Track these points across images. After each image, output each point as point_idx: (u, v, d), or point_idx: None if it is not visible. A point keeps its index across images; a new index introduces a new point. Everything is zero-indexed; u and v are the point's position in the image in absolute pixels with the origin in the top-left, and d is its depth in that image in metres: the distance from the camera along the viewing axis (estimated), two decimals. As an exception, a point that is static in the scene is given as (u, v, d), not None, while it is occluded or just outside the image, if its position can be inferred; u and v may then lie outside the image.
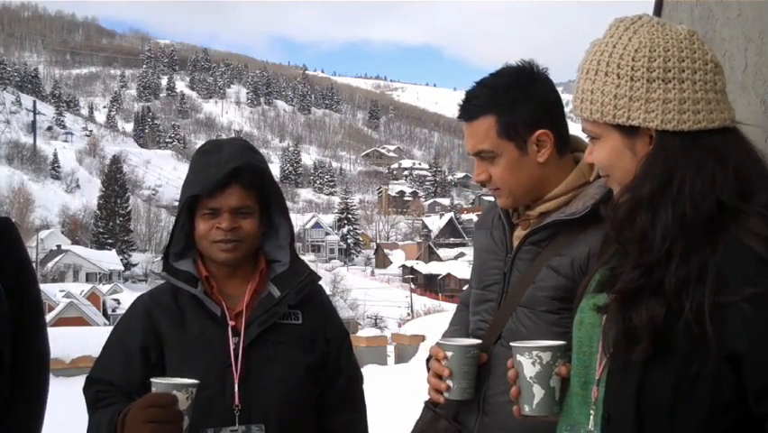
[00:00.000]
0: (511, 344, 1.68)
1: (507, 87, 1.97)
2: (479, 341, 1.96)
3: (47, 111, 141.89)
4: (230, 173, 2.01)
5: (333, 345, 2.18)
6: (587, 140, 1.61)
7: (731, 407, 1.30)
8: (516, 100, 1.96)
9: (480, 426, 1.98)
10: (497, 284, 2.05)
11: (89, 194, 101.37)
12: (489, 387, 1.96)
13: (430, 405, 2.09)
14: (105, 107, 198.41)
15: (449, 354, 1.91)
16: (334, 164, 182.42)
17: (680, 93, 1.40)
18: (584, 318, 1.54)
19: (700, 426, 1.31)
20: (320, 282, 2.24)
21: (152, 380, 1.82)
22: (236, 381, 1.98)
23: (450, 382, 1.91)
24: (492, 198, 2.16)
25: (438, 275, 77.74)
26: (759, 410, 1.27)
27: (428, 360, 2.05)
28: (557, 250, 1.93)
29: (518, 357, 1.64)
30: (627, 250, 1.41)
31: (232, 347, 2.01)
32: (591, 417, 1.47)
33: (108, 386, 2.03)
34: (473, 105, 1.99)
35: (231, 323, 2.04)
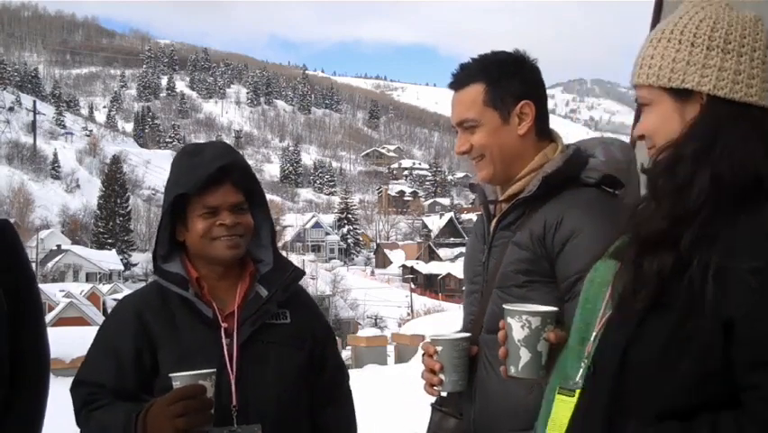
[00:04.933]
0: (504, 306, 1.71)
1: (499, 61, 2.08)
2: (468, 334, 2.02)
3: (47, 111, 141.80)
4: (219, 171, 2.03)
5: (318, 342, 2.20)
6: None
7: (714, 376, 1.30)
8: (505, 73, 2.05)
9: (476, 414, 2.04)
10: (479, 276, 2.12)
11: (89, 194, 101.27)
12: (478, 376, 2.02)
13: (436, 406, 2.14)
14: (105, 107, 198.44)
15: (439, 348, 1.97)
16: (334, 164, 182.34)
17: (736, 65, 1.42)
18: (595, 277, 1.56)
19: (680, 390, 1.31)
20: (302, 282, 2.26)
21: (172, 375, 1.83)
22: (232, 381, 1.99)
23: (441, 376, 1.96)
24: None
25: (438, 275, 77.75)
26: (743, 379, 1.27)
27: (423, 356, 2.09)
28: (522, 227, 2.01)
29: (509, 319, 1.67)
30: (660, 201, 1.41)
31: (225, 349, 2.01)
32: (581, 370, 1.50)
33: (100, 388, 2.00)
34: (465, 73, 2.08)
35: (223, 325, 2.04)
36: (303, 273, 2.22)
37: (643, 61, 1.52)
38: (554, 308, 1.68)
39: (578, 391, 1.48)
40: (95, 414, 1.97)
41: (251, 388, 2.01)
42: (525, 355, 1.65)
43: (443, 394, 2.10)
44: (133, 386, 1.99)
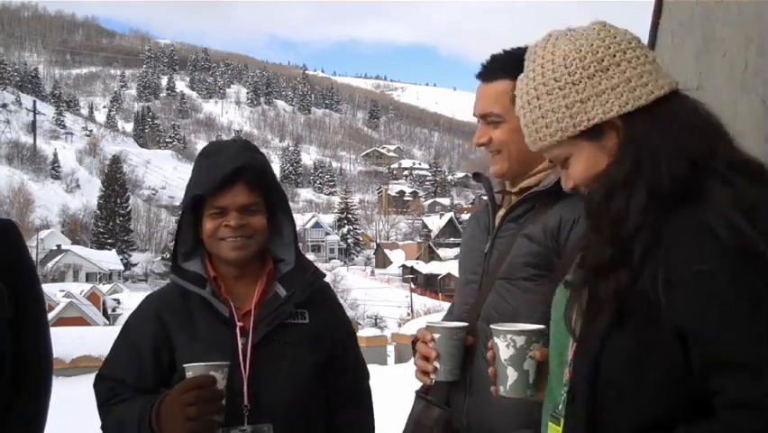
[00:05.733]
0: (490, 326, 1.70)
1: None
2: (465, 324, 2.01)
3: (47, 111, 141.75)
4: (233, 172, 2.03)
5: (338, 343, 2.19)
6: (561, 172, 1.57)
7: (680, 382, 1.30)
8: None
9: (469, 406, 2.02)
10: (479, 266, 2.10)
11: (89, 194, 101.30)
12: (475, 367, 2.00)
13: (421, 394, 2.13)
14: (105, 107, 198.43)
15: (436, 336, 1.96)
16: (334, 164, 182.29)
17: (621, 75, 1.43)
18: (560, 300, 1.55)
19: (651, 401, 1.32)
20: (326, 281, 2.26)
21: (186, 366, 1.89)
22: (245, 381, 1.99)
23: (436, 364, 1.95)
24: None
25: (438, 275, 77.59)
26: (706, 385, 1.28)
27: (414, 342, 2.09)
28: (532, 220, 2.00)
29: (495, 339, 1.67)
30: (602, 232, 1.41)
31: (240, 348, 2.03)
32: (564, 396, 1.49)
33: (120, 383, 2.07)
34: (495, 66, 2.05)
35: (239, 324, 2.06)
36: (323, 274, 2.23)
37: (535, 126, 1.50)
38: (540, 327, 1.66)
39: (562, 421, 1.47)
40: (114, 408, 2.04)
41: (263, 388, 2.01)
42: (512, 375, 1.64)
43: (435, 381, 2.05)
44: (153, 382, 2.04)
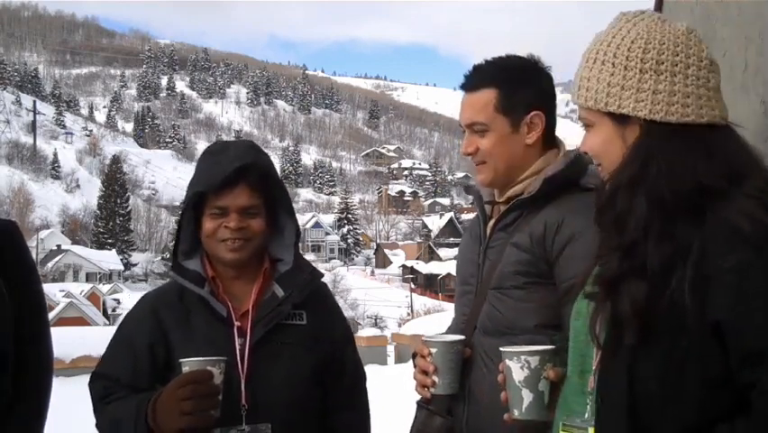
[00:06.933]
0: (500, 349, 1.70)
1: (513, 67, 2.08)
2: (462, 337, 2.02)
3: (47, 111, 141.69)
4: (236, 172, 2.02)
5: (337, 345, 2.19)
6: (582, 129, 1.64)
7: (720, 384, 1.30)
8: (519, 80, 2.05)
9: (468, 415, 2.04)
10: (473, 276, 2.12)
11: (89, 194, 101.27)
12: (473, 378, 2.02)
13: (423, 404, 2.13)
14: (105, 107, 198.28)
15: (433, 350, 1.97)
16: (334, 164, 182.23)
17: (670, 85, 1.42)
18: (581, 309, 1.54)
19: (692, 406, 1.31)
20: (323, 282, 2.25)
21: (182, 360, 1.88)
22: (242, 380, 1.99)
23: (435, 378, 1.97)
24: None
25: (438, 275, 77.60)
26: (742, 378, 1.28)
27: (414, 356, 2.10)
28: (520, 228, 2.02)
29: (507, 362, 1.64)
30: (608, 233, 1.44)
31: (237, 348, 2.02)
32: (588, 406, 1.48)
33: (115, 382, 2.06)
34: (478, 76, 2.08)
35: (237, 323, 2.05)
36: (321, 275, 2.23)
37: (581, 82, 1.53)
38: (551, 346, 1.67)
39: (591, 430, 1.45)
40: (109, 407, 2.02)
41: (261, 388, 2.01)
42: (527, 397, 1.62)
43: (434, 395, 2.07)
44: (148, 380, 2.03)
